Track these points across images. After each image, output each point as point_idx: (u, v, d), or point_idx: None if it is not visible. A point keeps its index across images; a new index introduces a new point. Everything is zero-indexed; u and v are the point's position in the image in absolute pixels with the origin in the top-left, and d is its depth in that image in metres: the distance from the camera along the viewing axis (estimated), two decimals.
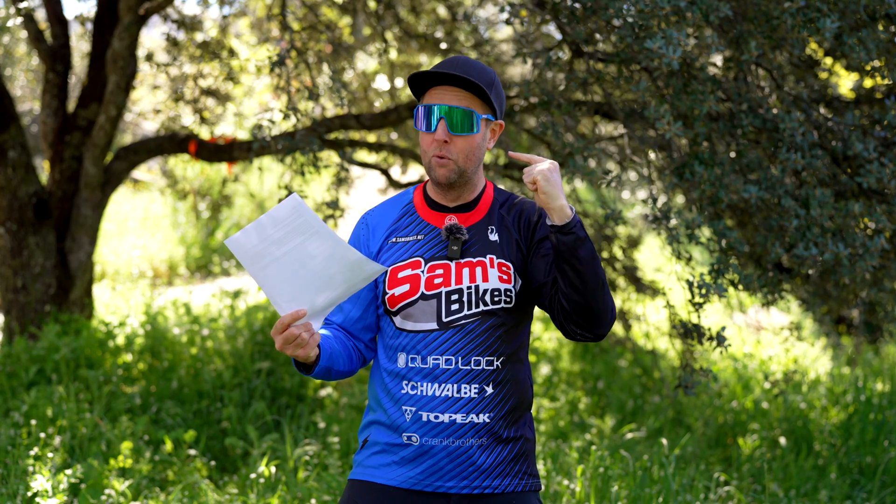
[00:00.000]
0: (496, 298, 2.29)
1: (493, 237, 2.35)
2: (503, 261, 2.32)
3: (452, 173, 2.32)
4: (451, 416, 2.28)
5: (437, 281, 2.30)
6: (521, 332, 2.36)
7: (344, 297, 2.21)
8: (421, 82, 2.33)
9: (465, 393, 2.28)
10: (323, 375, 2.33)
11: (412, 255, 2.34)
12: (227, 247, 2.16)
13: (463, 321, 2.29)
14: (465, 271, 2.31)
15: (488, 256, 2.32)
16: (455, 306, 2.29)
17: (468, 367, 2.28)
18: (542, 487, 2.63)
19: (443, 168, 2.31)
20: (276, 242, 2.13)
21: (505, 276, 2.31)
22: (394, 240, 2.38)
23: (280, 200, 4.73)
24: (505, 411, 2.31)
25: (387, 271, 2.34)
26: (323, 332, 2.38)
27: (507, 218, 2.38)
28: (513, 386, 2.33)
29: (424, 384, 2.29)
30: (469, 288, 2.30)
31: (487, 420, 2.29)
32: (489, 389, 2.29)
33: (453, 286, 2.30)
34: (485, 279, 2.30)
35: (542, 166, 2.20)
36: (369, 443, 2.39)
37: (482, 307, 2.29)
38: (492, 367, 2.29)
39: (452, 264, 2.32)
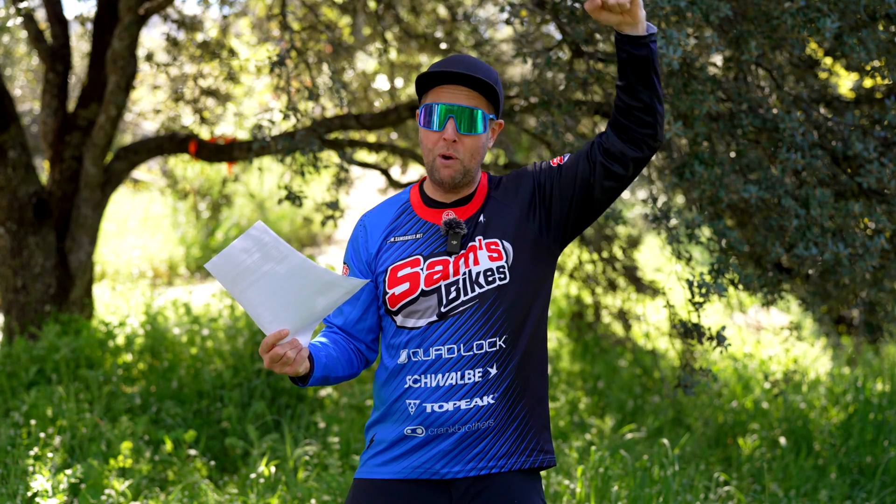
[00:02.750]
0: (490, 278, 2.30)
1: (482, 220, 2.36)
2: (490, 239, 2.32)
3: (458, 174, 2.33)
4: (455, 404, 2.28)
5: (436, 277, 2.32)
6: (525, 307, 2.33)
7: (328, 313, 2.23)
8: (426, 80, 2.33)
9: (469, 378, 2.28)
10: (320, 384, 2.34)
11: (411, 254, 2.35)
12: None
13: (461, 308, 2.29)
14: (461, 262, 2.32)
15: (476, 238, 2.33)
16: (452, 295, 2.30)
17: (471, 353, 2.29)
18: (542, 484, 2.61)
19: (448, 169, 2.32)
20: (250, 268, 2.15)
21: (495, 254, 2.31)
22: (392, 239, 2.39)
23: (280, 201, 4.74)
24: (511, 389, 2.31)
25: (370, 282, 2.34)
26: (320, 339, 2.39)
27: (495, 194, 2.39)
28: (520, 363, 2.32)
29: (427, 376, 2.30)
30: (463, 275, 2.31)
31: (492, 401, 2.29)
32: (493, 370, 2.29)
33: (451, 278, 2.31)
34: (475, 262, 2.31)
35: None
36: (375, 441, 2.40)
37: (477, 290, 2.29)
38: (495, 349, 2.29)
39: (451, 259, 2.32)
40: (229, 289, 2.17)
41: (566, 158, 2.37)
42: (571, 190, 2.33)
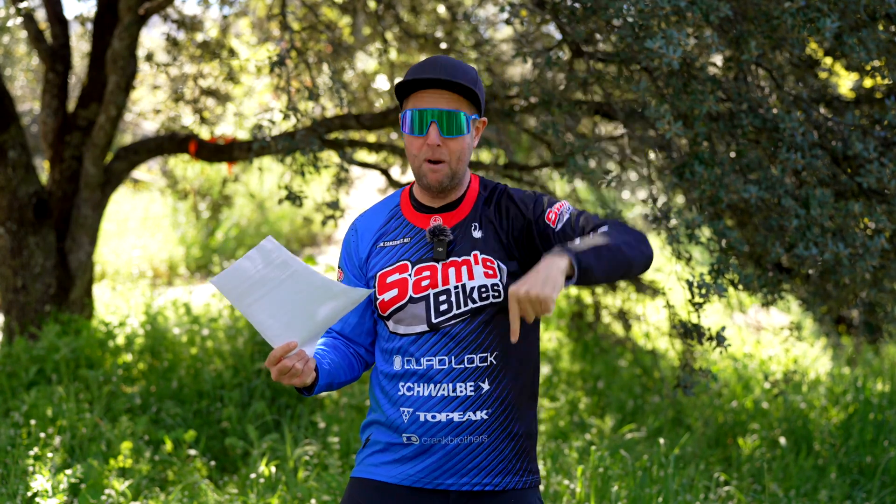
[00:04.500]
0: (483, 294, 2.29)
1: (477, 234, 2.35)
2: (487, 256, 2.32)
3: (445, 178, 2.32)
4: (448, 416, 2.28)
5: (424, 283, 2.31)
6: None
7: (333, 323, 2.23)
8: (406, 85, 2.33)
9: (461, 392, 2.28)
10: (324, 391, 2.35)
11: (399, 259, 2.35)
12: (218, 278, 2.19)
13: (453, 321, 2.29)
14: (452, 271, 2.31)
15: (472, 253, 2.32)
16: (444, 307, 2.29)
17: (462, 366, 2.28)
18: (543, 486, 2.63)
19: (435, 174, 2.31)
20: (258, 283, 2.16)
21: (490, 272, 2.30)
22: (382, 244, 2.39)
23: (280, 201, 4.74)
24: (504, 407, 2.31)
25: (374, 290, 2.35)
26: (321, 346, 2.39)
27: (488, 211, 2.38)
28: (511, 381, 2.32)
29: (420, 385, 2.30)
30: (456, 287, 2.30)
31: (485, 416, 2.29)
32: (485, 386, 2.29)
33: (440, 287, 2.30)
34: (470, 277, 2.30)
35: (516, 298, 2.01)
36: (371, 441, 2.40)
37: (470, 305, 2.29)
38: (486, 364, 2.29)
39: (439, 266, 2.32)
40: (235, 304, 2.18)
41: (561, 220, 2.29)
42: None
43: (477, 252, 2.32)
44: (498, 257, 2.32)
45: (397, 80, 7.03)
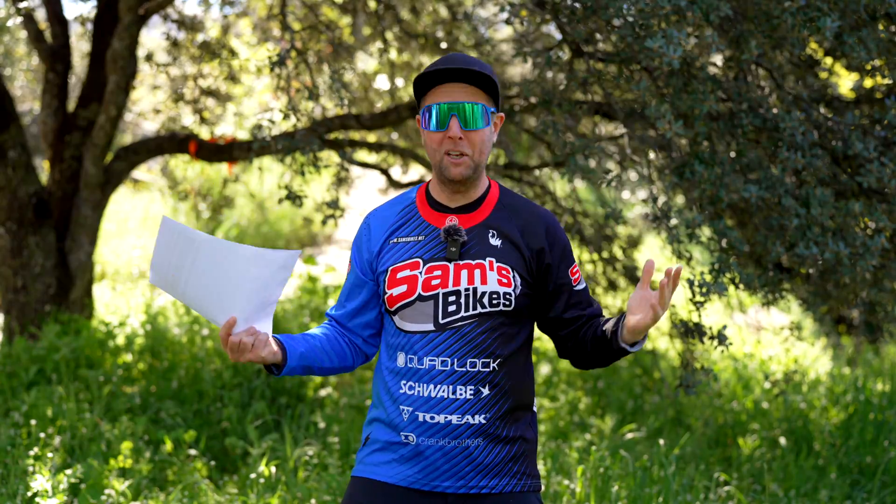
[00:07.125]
0: (494, 301, 2.29)
1: (495, 241, 2.34)
2: (503, 265, 2.31)
3: (468, 170, 2.31)
4: (446, 417, 2.28)
5: (434, 282, 2.30)
6: (519, 335, 2.35)
7: (274, 293, 2.19)
8: (423, 82, 2.33)
9: (461, 394, 2.28)
10: (303, 374, 2.34)
11: (412, 256, 2.34)
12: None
13: (459, 323, 2.28)
14: (464, 273, 2.30)
15: (488, 259, 2.31)
16: (452, 308, 2.29)
17: (464, 369, 2.28)
18: (543, 488, 2.63)
19: (458, 167, 2.30)
20: (175, 267, 2.13)
21: (504, 280, 2.30)
22: (395, 240, 2.38)
23: (280, 201, 4.74)
24: (502, 412, 2.31)
25: (300, 252, 2.34)
26: (313, 331, 2.39)
27: (511, 221, 2.37)
28: (511, 388, 2.32)
29: (421, 385, 2.30)
30: (467, 290, 2.29)
31: (483, 421, 2.29)
32: (485, 391, 2.29)
33: (451, 288, 2.29)
34: (483, 282, 2.29)
35: (662, 312, 2.24)
36: (371, 440, 2.40)
37: (479, 309, 2.28)
38: (488, 369, 2.29)
39: (451, 266, 2.31)
40: (171, 293, 2.16)
41: (580, 284, 2.43)
42: (544, 301, 2.40)
43: (493, 259, 2.31)
44: (515, 267, 2.32)
45: (399, 80, 7.05)
